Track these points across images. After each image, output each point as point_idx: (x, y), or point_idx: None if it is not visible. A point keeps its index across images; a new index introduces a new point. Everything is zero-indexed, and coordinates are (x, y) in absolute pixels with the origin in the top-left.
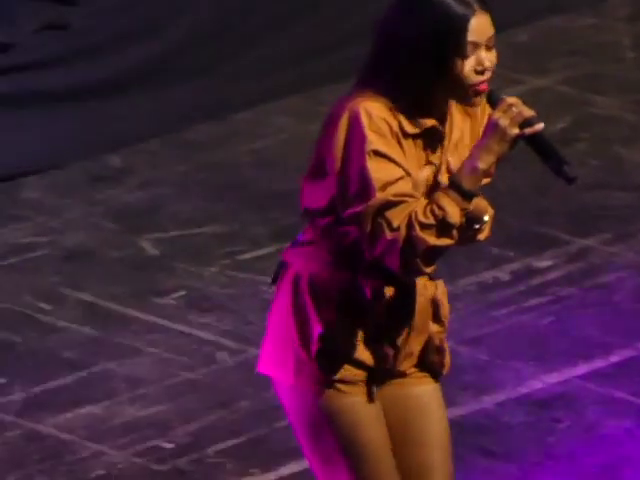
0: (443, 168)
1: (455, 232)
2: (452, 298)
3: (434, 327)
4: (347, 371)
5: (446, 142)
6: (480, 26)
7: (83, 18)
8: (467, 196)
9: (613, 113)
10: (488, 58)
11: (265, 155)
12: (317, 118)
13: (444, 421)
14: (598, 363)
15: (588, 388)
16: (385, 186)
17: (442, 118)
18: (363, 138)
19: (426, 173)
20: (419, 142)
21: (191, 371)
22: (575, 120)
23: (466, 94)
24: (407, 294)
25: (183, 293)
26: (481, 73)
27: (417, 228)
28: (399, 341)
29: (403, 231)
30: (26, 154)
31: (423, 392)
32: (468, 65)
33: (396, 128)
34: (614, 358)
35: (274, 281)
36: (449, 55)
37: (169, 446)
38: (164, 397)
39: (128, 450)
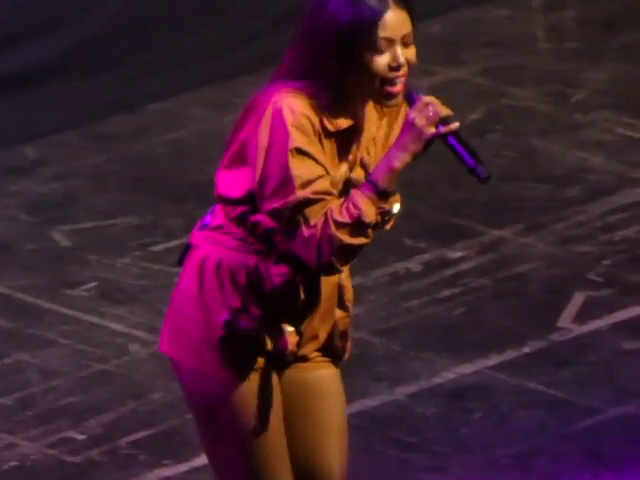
0: (356, 164)
1: (370, 231)
2: (364, 290)
3: (339, 312)
4: (249, 357)
5: (362, 138)
6: (394, 22)
7: None
8: (384, 195)
9: (528, 104)
10: (404, 54)
11: (181, 146)
12: (233, 109)
13: (342, 406)
14: (511, 354)
15: (501, 379)
16: (306, 184)
17: (360, 116)
18: (286, 135)
19: (343, 170)
20: (336, 140)
21: (104, 362)
22: (489, 111)
23: (381, 91)
24: (313, 280)
25: (96, 284)
26: (396, 69)
27: (332, 226)
28: (303, 327)
29: (319, 228)
30: None
31: (323, 377)
32: (382, 61)
33: (318, 126)
34: (526, 349)
35: (180, 262)
36: (362, 50)
37: (82, 437)
38: (77, 388)
39: (41, 441)
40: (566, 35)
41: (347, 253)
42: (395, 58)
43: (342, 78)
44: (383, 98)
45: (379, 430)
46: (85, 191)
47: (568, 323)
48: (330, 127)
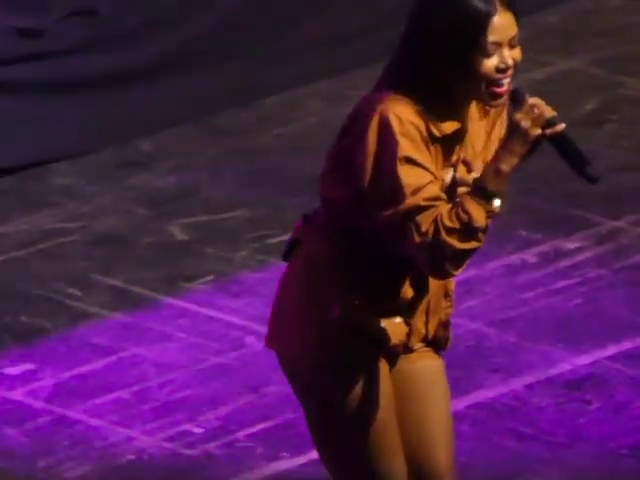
0: (459, 163)
1: (481, 235)
2: (480, 281)
3: (442, 303)
4: (364, 351)
5: (465, 139)
6: (502, 25)
7: (112, 4)
8: (492, 198)
9: None
10: (511, 56)
11: (296, 139)
12: (347, 102)
13: (447, 396)
14: (628, 344)
15: (618, 369)
16: (416, 191)
17: (465, 118)
18: (395, 144)
19: (449, 172)
20: (442, 144)
21: (220, 356)
22: (604, 101)
23: (487, 92)
24: (421, 276)
25: (212, 277)
26: (504, 71)
27: (443, 232)
28: (413, 322)
29: (430, 235)
30: (57, 140)
31: (428, 367)
32: (491, 64)
33: (424, 132)
34: None
35: (285, 257)
36: (470, 54)
37: (199, 431)
38: (193, 382)
39: (158, 435)
40: None
41: (459, 258)
42: (504, 60)
43: (449, 82)
44: (489, 99)
45: (496, 421)
46: (201, 184)
47: None
48: (436, 132)
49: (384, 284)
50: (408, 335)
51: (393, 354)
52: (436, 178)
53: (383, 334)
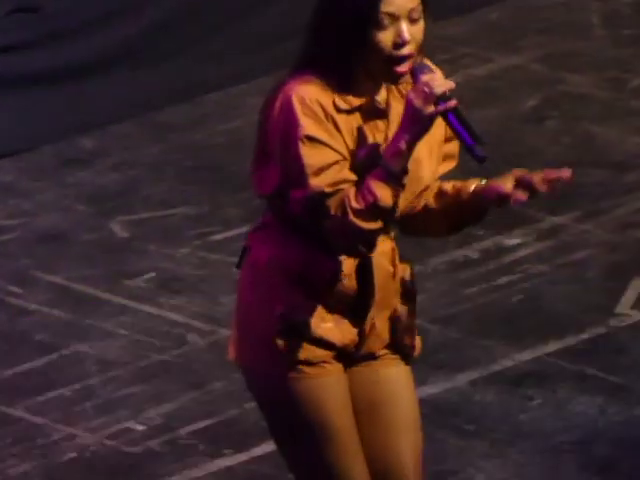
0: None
1: (390, 214)
2: (423, 277)
3: (403, 308)
4: (310, 352)
5: (391, 118)
6: None
7: (54, 1)
8: (396, 177)
9: (584, 91)
10: (410, 31)
11: (236, 136)
12: None
13: (414, 403)
14: (570, 340)
15: (560, 365)
16: (318, 171)
17: (378, 93)
18: (296, 124)
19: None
20: (358, 118)
21: (162, 353)
22: (546, 98)
23: (388, 69)
24: (365, 269)
25: (154, 275)
26: (401, 46)
27: (350, 214)
28: (365, 318)
29: (339, 217)
30: None
31: (392, 375)
32: (386, 37)
33: (330, 108)
34: (585, 335)
35: (238, 266)
36: (364, 26)
37: (141, 428)
38: (136, 379)
39: (100, 432)
40: (622, 21)
41: (369, 238)
42: (399, 34)
43: (348, 56)
44: (391, 78)
45: (439, 417)
46: (143, 181)
47: (627, 309)
48: (344, 105)
49: (324, 279)
50: (360, 335)
51: (349, 358)
52: (345, 158)
53: (322, 337)
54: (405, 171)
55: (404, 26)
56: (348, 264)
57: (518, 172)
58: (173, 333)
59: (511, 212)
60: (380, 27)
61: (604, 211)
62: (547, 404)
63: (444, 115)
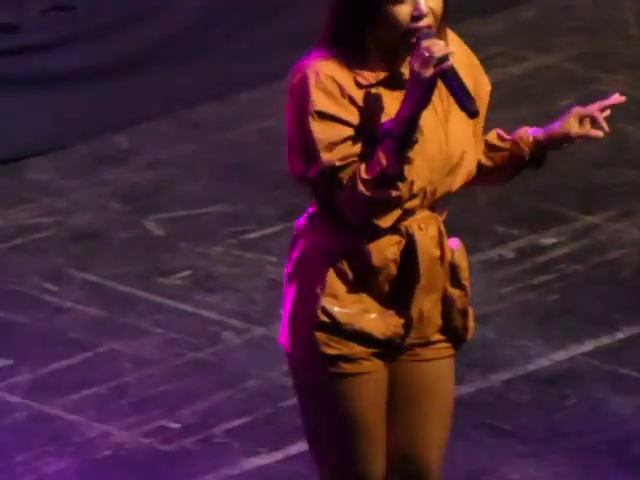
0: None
1: (398, 183)
2: None
3: (455, 291)
4: (349, 348)
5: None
6: None
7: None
8: (402, 144)
9: (618, 90)
10: (427, 3)
11: (272, 134)
12: None
13: (451, 397)
14: (604, 340)
15: (595, 365)
16: (330, 146)
17: (405, 66)
18: (308, 99)
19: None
20: (382, 92)
21: (197, 351)
22: (580, 97)
23: (407, 42)
24: (410, 254)
25: (189, 273)
26: (418, 18)
27: (360, 185)
28: (411, 305)
29: (349, 189)
30: (32, 135)
31: (440, 367)
32: (403, 10)
33: (348, 85)
34: (620, 335)
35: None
36: (383, 1)
37: (176, 426)
38: (170, 377)
39: (135, 430)
40: None
41: (380, 208)
42: (417, 7)
43: (365, 33)
44: (410, 48)
45: (474, 417)
46: (178, 180)
47: None
48: (364, 81)
49: (369, 266)
50: (406, 326)
51: (394, 348)
52: (361, 133)
53: (364, 330)
54: (412, 138)
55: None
56: (392, 250)
57: (579, 109)
58: (208, 331)
59: (546, 212)
60: (397, 2)
61: (638, 210)
62: (582, 404)
63: (443, 77)
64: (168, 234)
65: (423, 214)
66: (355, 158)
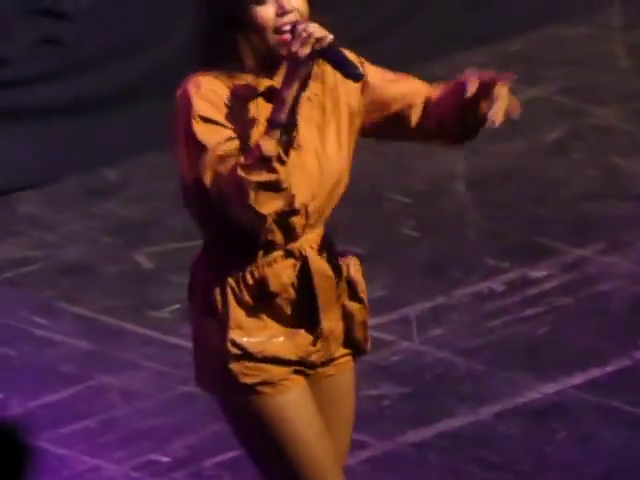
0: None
1: (276, 165)
2: (447, 309)
3: (354, 305)
4: (266, 372)
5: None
6: None
7: (78, 33)
8: (280, 126)
9: (609, 123)
10: (291, 2)
11: None
12: None
13: (351, 409)
14: (594, 372)
15: (584, 398)
16: (214, 147)
17: (280, 75)
18: (191, 106)
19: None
20: (261, 103)
21: (187, 384)
22: (571, 130)
23: (277, 43)
24: (306, 275)
25: (178, 306)
26: (284, 15)
27: (239, 170)
28: (317, 323)
29: (231, 176)
30: (22, 168)
31: (346, 381)
32: (267, 11)
33: (228, 97)
34: (610, 367)
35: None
36: (244, 6)
37: (166, 460)
38: (160, 410)
39: (125, 464)
40: None
41: (261, 192)
42: (280, 5)
43: (242, 44)
44: (281, 49)
45: (463, 450)
46: (167, 212)
47: None
48: (242, 93)
49: (267, 292)
50: (314, 344)
51: (307, 366)
52: (240, 138)
53: (275, 355)
54: (291, 121)
55: None
56: (288, 273)
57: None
58: None
59: (536, 244)
60: (259, 3)
61: (628, 243)
62: (572, 436)
63: (324, 53)
64: (158, 267)
65: (313, 234)
66: (235, 153)
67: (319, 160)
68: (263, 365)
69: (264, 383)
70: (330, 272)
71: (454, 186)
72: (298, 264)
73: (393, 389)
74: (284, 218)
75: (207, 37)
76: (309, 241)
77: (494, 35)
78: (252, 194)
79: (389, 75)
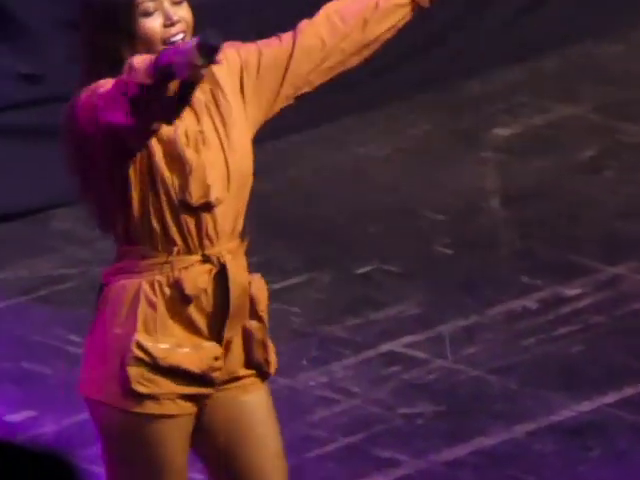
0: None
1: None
2: (481, 328)
3: (253, 324)
4: (159, 386)
5: (196, 108)
6: None
7: None
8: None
9: None
10: (177, 13)
11: (296, 184)
12: (345, 147)
13: (276, 430)
14: (629, 391)
15: (619, 416)
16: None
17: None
18: (90, 98)
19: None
20: None
21: None
22: (604, 148)
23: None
24: (221, 283)
25: None
26: (171, 26)
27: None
28: (222, 337)
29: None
30: (56, 185)
31: (253, 402)
32: (154, 22)
33: None
34: None
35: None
36: (131, 19)
37: (199, 477)
38: None
39: None
40: None
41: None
42: (167, 16)
43: (125, 53)
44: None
45: (497, 468)
46: None
47: None
48: None
49: (177, 298)
50: (218, 359)
51: (208, 383)
52: None
53: (177, 365)
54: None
55: (167, 6)
56: (204, 278)
57: None
58: None
59: (570, 263)
60: (146, 15)
61: None
62: (607, 455)
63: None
64: None
65: (232, 243)
66: None
67: (224, 156)
68: (158, 378)
69: (150, 397)
70: (246, 283)
71: (488, 203)
72: (214, 270)
73: (427, 407)
74: (199, 215)
75: (93, 50)
76: (227, 249)
77: (529, 53)
78: (142, 75)
79: (279, 42)
